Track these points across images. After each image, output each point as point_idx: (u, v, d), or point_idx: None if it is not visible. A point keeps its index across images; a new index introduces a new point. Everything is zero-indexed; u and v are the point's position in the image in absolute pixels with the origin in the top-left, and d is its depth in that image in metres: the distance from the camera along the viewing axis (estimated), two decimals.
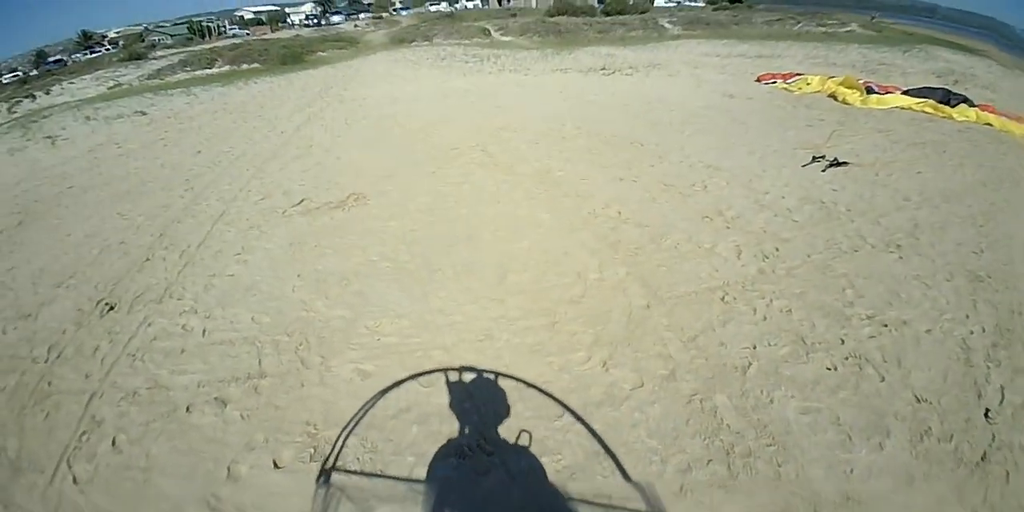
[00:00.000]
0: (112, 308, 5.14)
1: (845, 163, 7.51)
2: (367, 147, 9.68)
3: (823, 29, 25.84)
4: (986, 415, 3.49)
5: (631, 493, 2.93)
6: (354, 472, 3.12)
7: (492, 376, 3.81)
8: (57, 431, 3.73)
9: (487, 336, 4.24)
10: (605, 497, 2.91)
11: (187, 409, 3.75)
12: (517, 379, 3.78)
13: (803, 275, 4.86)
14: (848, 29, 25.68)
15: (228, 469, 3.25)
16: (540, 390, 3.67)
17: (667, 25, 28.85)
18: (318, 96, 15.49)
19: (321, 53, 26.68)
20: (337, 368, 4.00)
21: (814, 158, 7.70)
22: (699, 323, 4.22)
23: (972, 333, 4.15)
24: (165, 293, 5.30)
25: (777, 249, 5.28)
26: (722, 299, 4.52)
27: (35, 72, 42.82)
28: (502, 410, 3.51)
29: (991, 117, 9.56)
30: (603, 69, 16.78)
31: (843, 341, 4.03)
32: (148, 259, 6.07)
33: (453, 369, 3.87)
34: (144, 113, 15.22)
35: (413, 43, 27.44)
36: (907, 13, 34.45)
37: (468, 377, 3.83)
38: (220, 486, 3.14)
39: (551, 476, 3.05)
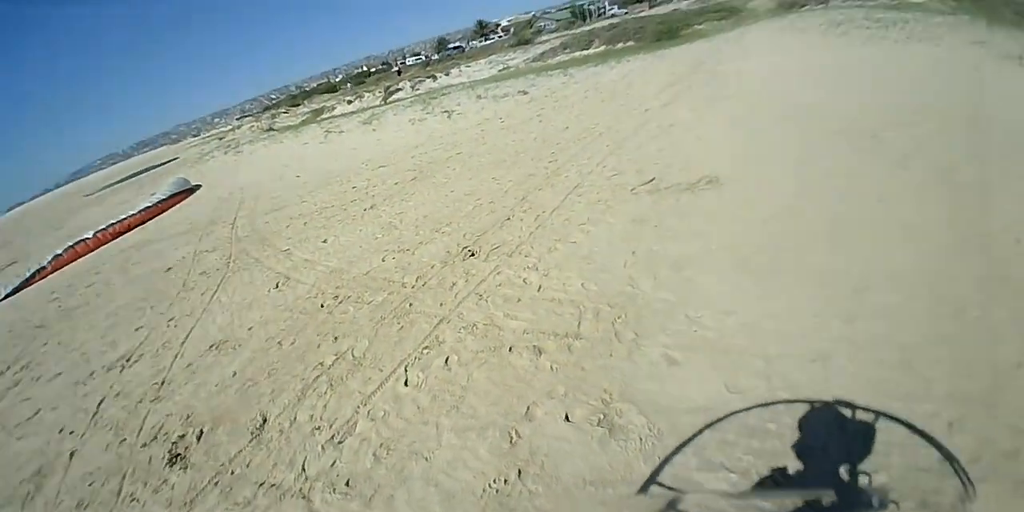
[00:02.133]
0: (473, 255, 6.61)
1: None
2: (731, 127, 9.04)
3: None
4: None
5: None
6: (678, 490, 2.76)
7: (870, 416, 2.98)
8: (404, 342, 5.03)
9: (821, 357, 3.52)
10: None
11: (510, 349, 4.48)
12: (901, 421, 2.90)
13: None
14: None
15: (527, 408, 3.77)
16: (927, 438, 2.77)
17: None
18: (687, 73, 15.38)
19: (698, 26, 25.97)
20: (647, 348, 4.07)
21: None
22: None
23: None
24: (516, 249, 6.43)
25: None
26: None
27: (436, 56, 52.31)
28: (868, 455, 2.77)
29: None
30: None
31: None
32: (509, 219, 7.49)
33: (822, 401, 3.13)
34: (525, 92, 18.01)
35: (805, 7, 23.99)
36: None
37: (836, 413, 3.06)
38: (518, 422, 3.66)
39: None
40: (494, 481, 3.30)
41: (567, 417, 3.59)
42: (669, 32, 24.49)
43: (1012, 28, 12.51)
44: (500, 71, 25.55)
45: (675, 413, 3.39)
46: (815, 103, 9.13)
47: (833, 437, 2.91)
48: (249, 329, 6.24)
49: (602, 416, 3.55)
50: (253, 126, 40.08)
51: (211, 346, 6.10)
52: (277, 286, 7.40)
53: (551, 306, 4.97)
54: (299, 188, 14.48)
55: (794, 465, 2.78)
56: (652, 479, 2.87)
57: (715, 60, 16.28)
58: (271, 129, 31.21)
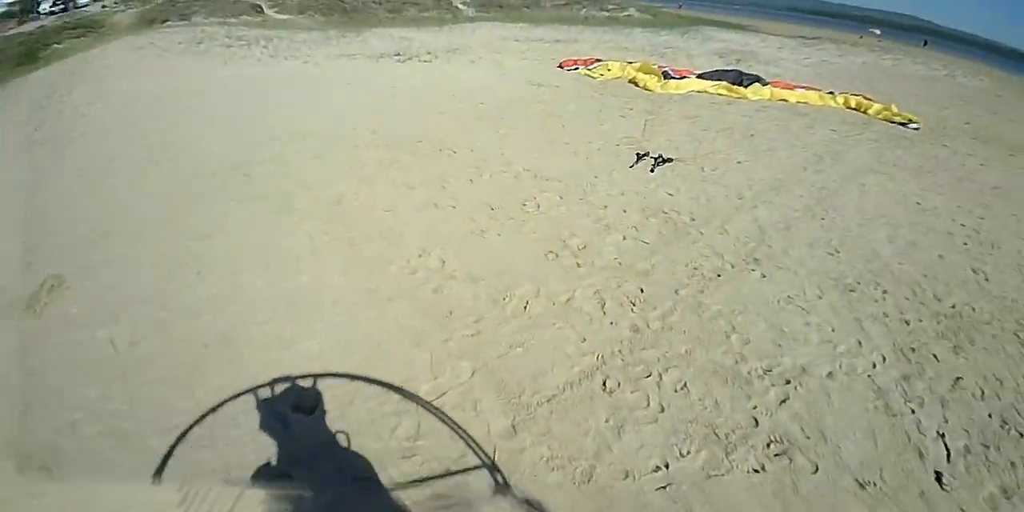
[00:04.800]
0: None
1: (670, 159, 7.08)
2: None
3: (606, 13, 27.15)
4: (939, 480, 2.96)
5: None
6: None
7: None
8: None
9: None
10: None
11: None
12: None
13: (680, 324, 3.99)
14: (627, 13, 27.37)
15: None
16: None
17: (461, 6, 27.75)
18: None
19: (57, 45, 20.09)
20: None
21: (639, 156, 7.14)
22: (588, 440, 3.02)
23: (875, 366, 3.73)
24: None
25: (642, 290, 4.36)
26: (604, 387, 3.40)
27: None
28: None
29: (785, 93, 10.25)
30: (397, 55, 14.83)
31: (757, 421, 3.20)
32: None
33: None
34: None
35: (167, 23, 22.15)
36: None
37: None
38: None
39: None
40: None
41: None
42: (28, 55, 17.98)
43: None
44: None
45: None
46: (171, 141, 7.79)
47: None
48: None
49: None
50: None
51: None
52: None
53: None
54: None
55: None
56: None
57: (65, 90, 12.33)
58: None
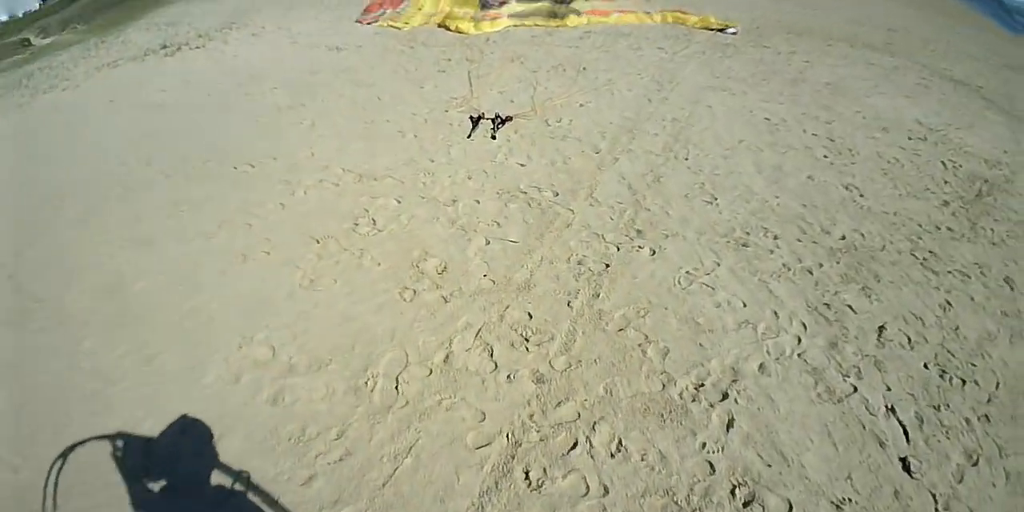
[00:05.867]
0: None
1: (509, 118, 6.07)
2: None
3: None
4: (907, 469, 2.62)
5: None
6: None
7: None
8: None
9: None
10: None
11: None
12: None
13: (588, 352, 3.19)
14: None
15: None
16: None
17: None
18: None
19: None
20: None
21: (473, 121, 6.00)
22: None
23: (800, 340, 3.27)
24: None
25: (529, 315, 3.47)
26: (528, 480, 2.54)
27: None
28: None
29: (604, 18, 9.51)
30: (164, 47, 11.50)
31: (712, 466, 2.60)
32: None
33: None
34: None
35: None
36: None
37: None
38: None
39: None
40: None
41: None
42: None
43: None
44: None
45: None
46: None
47: None
48: None
49: None
50: None
51: None
52: None
53: None
54: None
55: None
56: None
57: None
58: None
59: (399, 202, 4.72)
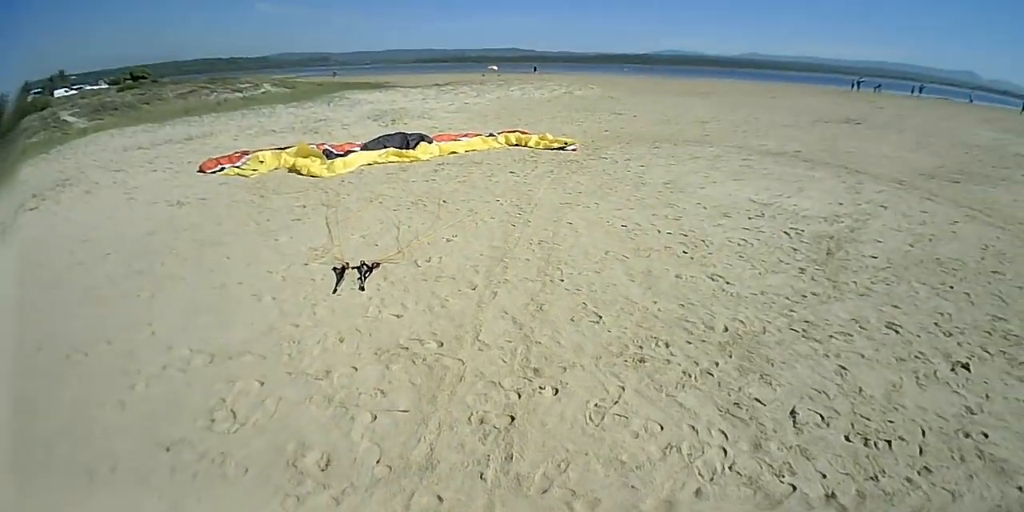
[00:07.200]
0: None
1: (376, 264, 5.76)
2: None
3: (240, 94, 24.80)
4: None
5: None
6: None
7: None
8: None
9: None
10: None
11: None
12: None
13: None
14: (263, 90, 25.55)
15: None
16: None
17: (70, 118, 21.68)
18: None
19: None
20: None
21: (338, 273, 5.57)
22: None
23: (726, 452, 3.09)
24: None
25: (440, 498, 2.84)
26: None
27: None
28: None
29: (452, 145, 10.06)
30: None
31: None
32: None
33: None
34: None
35: None
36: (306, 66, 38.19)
37: None
38: None
39: None
40: None
41: None
42: None
43: None
44: None
45: None
46: None
47: None
48: None
49: None
50: None
51: None
52: None
53: None
54: None
55: None
56: None
57: None
58: None
59: (262, 384, 4.00)
